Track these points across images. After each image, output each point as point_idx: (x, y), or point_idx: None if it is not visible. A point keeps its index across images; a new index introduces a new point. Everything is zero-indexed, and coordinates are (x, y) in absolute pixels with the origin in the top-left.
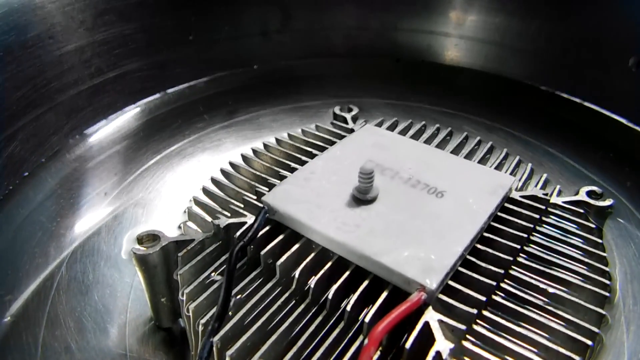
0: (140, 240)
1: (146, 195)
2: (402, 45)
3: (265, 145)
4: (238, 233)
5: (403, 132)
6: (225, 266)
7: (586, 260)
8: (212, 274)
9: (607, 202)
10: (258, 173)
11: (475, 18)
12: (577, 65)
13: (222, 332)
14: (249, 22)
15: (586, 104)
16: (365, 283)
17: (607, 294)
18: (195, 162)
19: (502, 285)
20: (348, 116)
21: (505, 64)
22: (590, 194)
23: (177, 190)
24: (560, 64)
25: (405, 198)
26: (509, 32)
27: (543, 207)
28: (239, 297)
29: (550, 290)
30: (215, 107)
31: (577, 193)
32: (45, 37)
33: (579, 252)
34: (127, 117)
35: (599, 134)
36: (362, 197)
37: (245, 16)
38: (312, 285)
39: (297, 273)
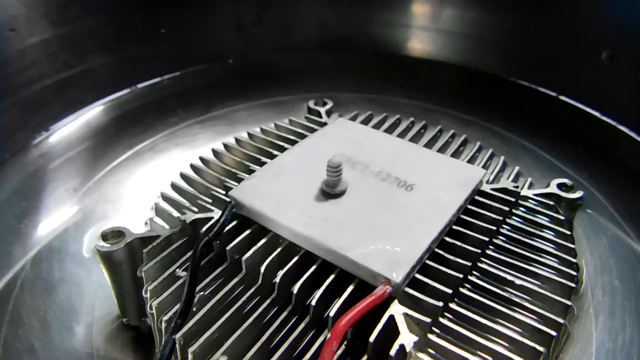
0: (104, 237)
1: (116, 191)
2: (380, 39)
3: (237, 140)
4: (204, 228)
5: (377, 126)
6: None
7: (554, 252)
8: (177, 270)
9: (577, 194)
10: (228, 168)
11: (451, 11)
12: (552, 59)
13: (185, 329)
14: (224, 15)
15: (561, 97)
16: (332, 277)
17: (574, 285)
18: (168, 157)
19: (470, 277)
20: (322, 110)
21: (481, 57)
22: (561, 186)
23: (147, 186)
24: (535, 57)
25: (375, 192)
26: (485, 26)
27: (513, 200)
28: (202, 293)
29: (518, 282)
30: (189, 102)
31: (548, 185)
32: (6, 30)
33: (548, 244)
34: (96, 112)
35: (574, 127)
36: (330, 191)
37: (220, 9)
38: (277, 280)
39: (262, 268)
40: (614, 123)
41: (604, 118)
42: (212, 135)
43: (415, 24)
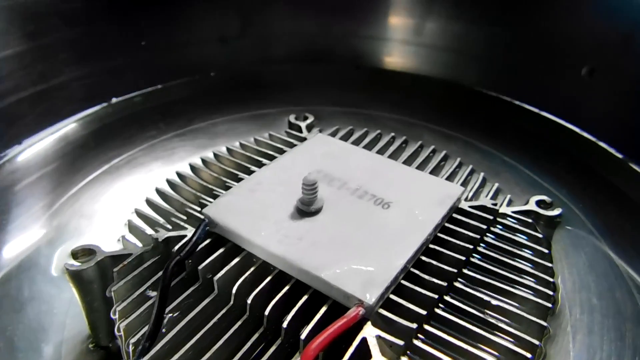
0: (75, 255)
1: (91, 206)
2: (362, 52)
3: (215, 155)
4: (177, 247)
5: (358, 141)
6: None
7: (532, 271)
8: (148, 290)
9: (556, 212)
10: (205, 184)
11: (434, 25)
12: (533, 74)
13: (153, 352)
14: (206, 27)
15: (543, 113)
16: (305, 298)
17: (550, 305)
18: (146, 171)
19: (445, 297)
20: (303, 125)
21: (463, 72)
22: (539, 203)
23: (123, 201)
24: (517, 72)
25: (351, 209)
26: (468, 40)
27: (491, 217)
28: (170, 315)
29: (494, 302)
30: (170, 115)
31: (527, 202)
32: None
33: (525, 263)
34: (74, 126)
35: (555, 143)
36: (305, 209)
37: (202, 21)
38: (249, 301)
39: (234, 288)
40: (593, 139)
41: (584, 133)
42: (192, 148)
43: (397, 37)
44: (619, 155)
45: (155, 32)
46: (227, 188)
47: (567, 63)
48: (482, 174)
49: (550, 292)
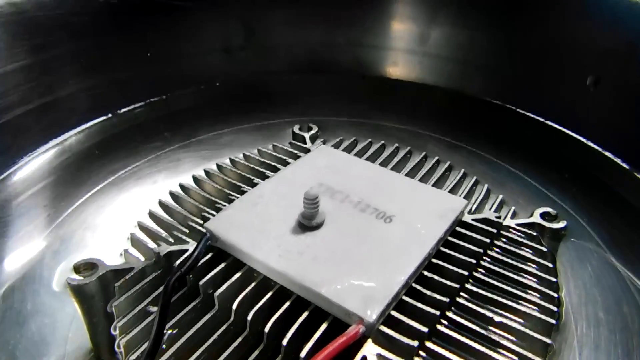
0: (77, 269)
1: (95, 219)
2: (368, 62)
3: (218, 167)
4: (178, 261)
5: (361, 152)
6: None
7: (536, 285)
8: (149, 306)
9: (561, 224)
10: (208, 196)
11: (438, 35)
12: (539, 83)
13: None
14: (211, 38)
15: (548, 122)
16: (305, 314)
17: (554, 322)
18: (151, 183)
19: (448, 314)
20: (307, 135)
21: (468, 81)
22: (544, 215)
23: (127, 213)
24: (523, 82)
25: (353, 223)
26: (473, 50)
27: (495, 231)
28: (170, 331)
29: (497, 318)
30: (175, 125)
31: (531, 215)
32: None
33: (529, 278)
34: (80, 137)
35: (560, 153)
36: (307, 223)
37: (207, 32)
38: (249, 318)
39: (235, 305)
40: (598, 148)
41: (589, 143)
42: (197, 159)
43: (402, 46)
44: (625, 166)
45: (161, 43)
46: (230, 201)
47: (573, 72)
48: (486, 185)
49: (554, 308)
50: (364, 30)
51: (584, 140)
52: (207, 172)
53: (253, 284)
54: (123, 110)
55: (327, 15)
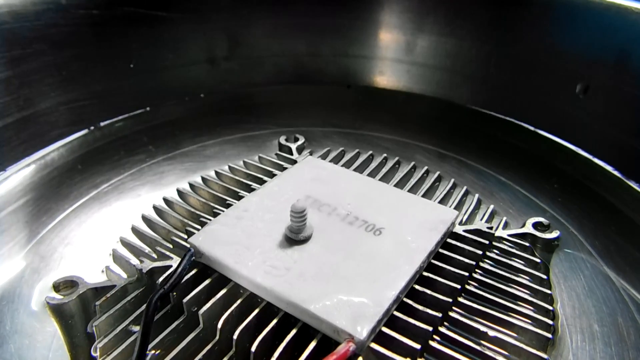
0: (56, 287)
1: (77, 235)
2: (354, 71)
3: (203, 179)
4: (161, 278)
5: (349, 163)
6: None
7: (530, 298)
8: (131, 325)
9: (554, 234)
10: (192, 210)
11: (425, 44)
12: (528, 91)
13: None
14: (195, 49)
15: (538, 130)
16: (293, 332)
17: (550, 336)
18: (134, 196)
19: (440, 329)
20: (293, 146)
21: (457, 90)
22: (536, 225)
23: (109, 228)
24: (511, 90)
25: (341, 237)
26: (460, 58)
27: (487, 242)
28: (153, 352)
29: (491, 333)
30: (159, 138)
31: (523, 225)
32: None
33: (523, 290)
34: (61, 151)
35: (551, 162)
36: (294, 237)
37: (191, 43)
38: (235, 337)
39: (220, 322)
40: (589, 157)
41: (580, 151)
42: (182, 172)
43: (388, 55)
44: (617, 174)
45: (143, 54)
46: (215, 214)
47: (562, 80)
48: (477, 195)
49: (550, 322)
50: (349, 40)
51: (574, 148)
52: (191, 185)
53: (239, 301)
54: (105, 123)
55: (312, 25)
